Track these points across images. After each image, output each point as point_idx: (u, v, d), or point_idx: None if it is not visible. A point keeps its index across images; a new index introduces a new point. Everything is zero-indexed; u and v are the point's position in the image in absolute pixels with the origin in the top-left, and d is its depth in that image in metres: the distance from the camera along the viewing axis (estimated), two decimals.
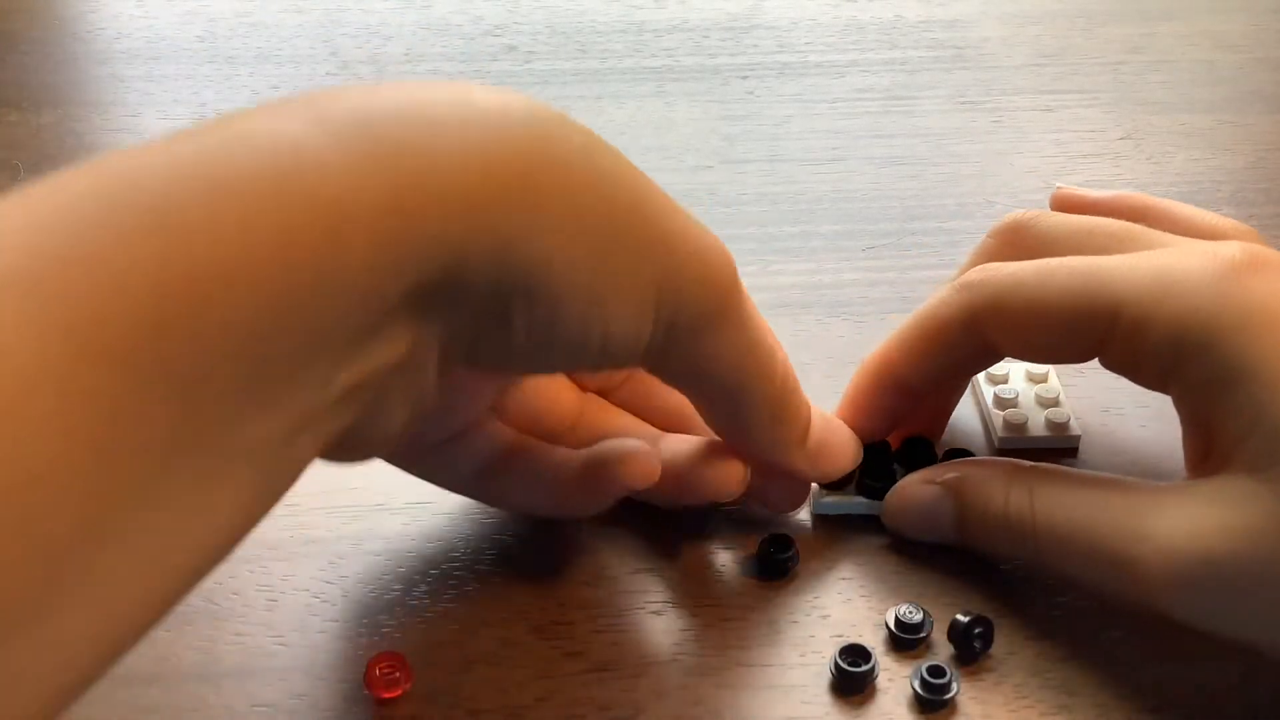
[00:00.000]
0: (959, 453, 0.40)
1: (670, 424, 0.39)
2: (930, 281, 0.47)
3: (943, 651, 0.35)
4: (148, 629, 0.26)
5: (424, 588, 0.37)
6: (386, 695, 0.34)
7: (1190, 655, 0.35)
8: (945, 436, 0.42)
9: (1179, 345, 0.33)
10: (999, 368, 0.42)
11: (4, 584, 0.22)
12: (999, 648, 0.35)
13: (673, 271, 0.31)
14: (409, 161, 0.26)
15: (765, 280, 0.48)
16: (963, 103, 0.59)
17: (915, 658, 0.35)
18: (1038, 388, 0.43)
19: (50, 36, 0.65)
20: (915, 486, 0.38)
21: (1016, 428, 0.41)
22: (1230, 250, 0.34)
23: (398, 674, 0.34)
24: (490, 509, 0.39)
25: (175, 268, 0.24)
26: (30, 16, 0.67)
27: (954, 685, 0.34)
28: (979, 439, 0.42)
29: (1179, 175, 0.55)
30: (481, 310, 0.29)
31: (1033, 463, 0.37)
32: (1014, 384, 0.43)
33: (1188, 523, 0.32)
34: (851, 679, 0.34)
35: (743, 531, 0.39)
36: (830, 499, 0.39)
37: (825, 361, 0.44)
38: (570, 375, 0.39)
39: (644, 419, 0.39)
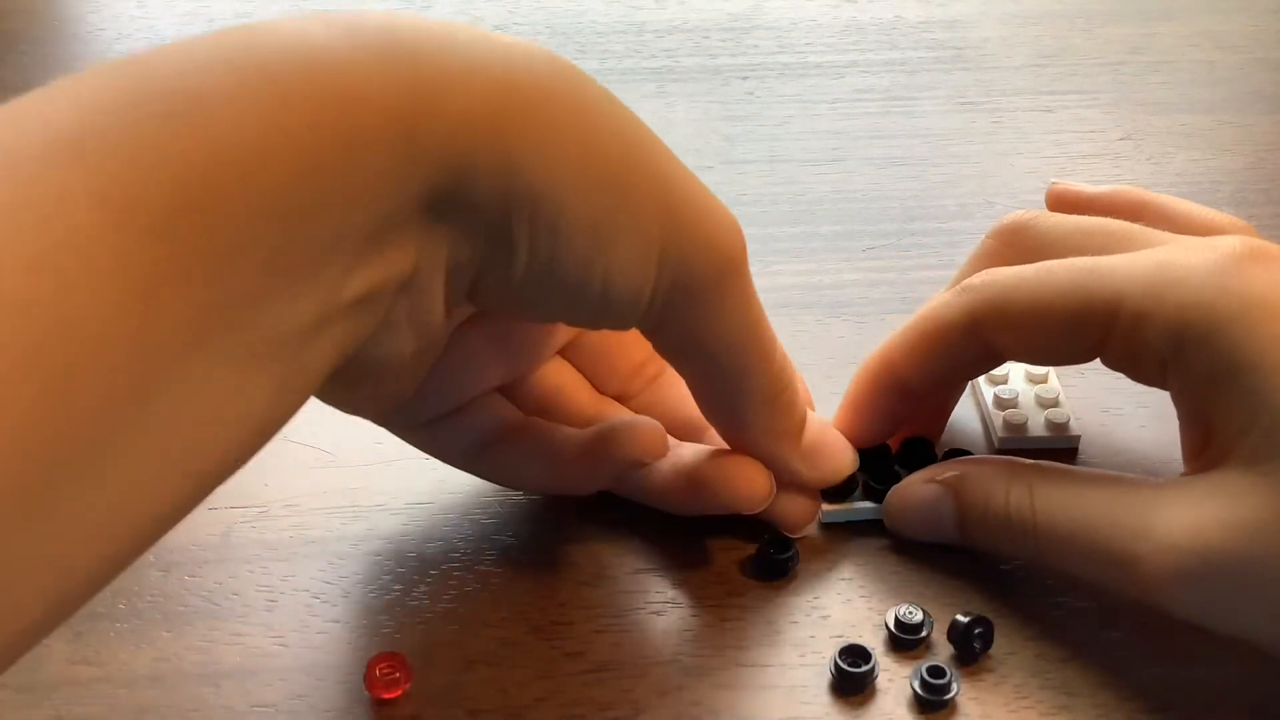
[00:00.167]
0: (959, 453, 0.40)
1: (688, 436, 0.39)
2: (930, 282, 0.47)
3: (943, 652, 0.35)
4: (172, 520, 0.27)
5: (424, 588, 0.37)
6: (386, 695, 0.34)
7: (1190, 655, 0.35)
8: (945, 437, 0.42)
9: (1179, 337, 0.33)
10: (999, 368, 0.42)
11: (57, 430, 0.23)
12: (999, 648, 0.35)
13: (680, 229, 0.31)
14: (428, 68, 0.27)
15: (765, 281, 0.48)
16: (963, 103, 0.59)
17: (915, 658, 0.35)
18: (1037, 388, 0.43)
19: (50, 37, 0.65)
20: (915, 486, 0.38)
21: (1016, 428, 0.41)
22: (1230, 243, 0.34)
23: (398, 674, 0.34)
24: (490, 509, 0.39)
25: (211, 145, 0.25)
26: (30, 17, 0.67)
27: (954, 685, 0.34)
28: (979, 439, 0.42)
29: (1179, 176, 0.55)
30: (486, 232, 0.29)
31: (1033, 461, 0.37)
32: (1014, 384, 0.43)
33: (1187, 518, 0.32)
34: (851, 679, 0.34)
35: (743, 532, 0.39)
36: (834, 508, 0.39)
37: (825, 362, 0.44)
38: (588, 375, 0.39)
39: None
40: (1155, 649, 0.35)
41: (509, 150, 0.28)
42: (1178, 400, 0.35)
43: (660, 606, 0.37)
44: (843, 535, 0.39)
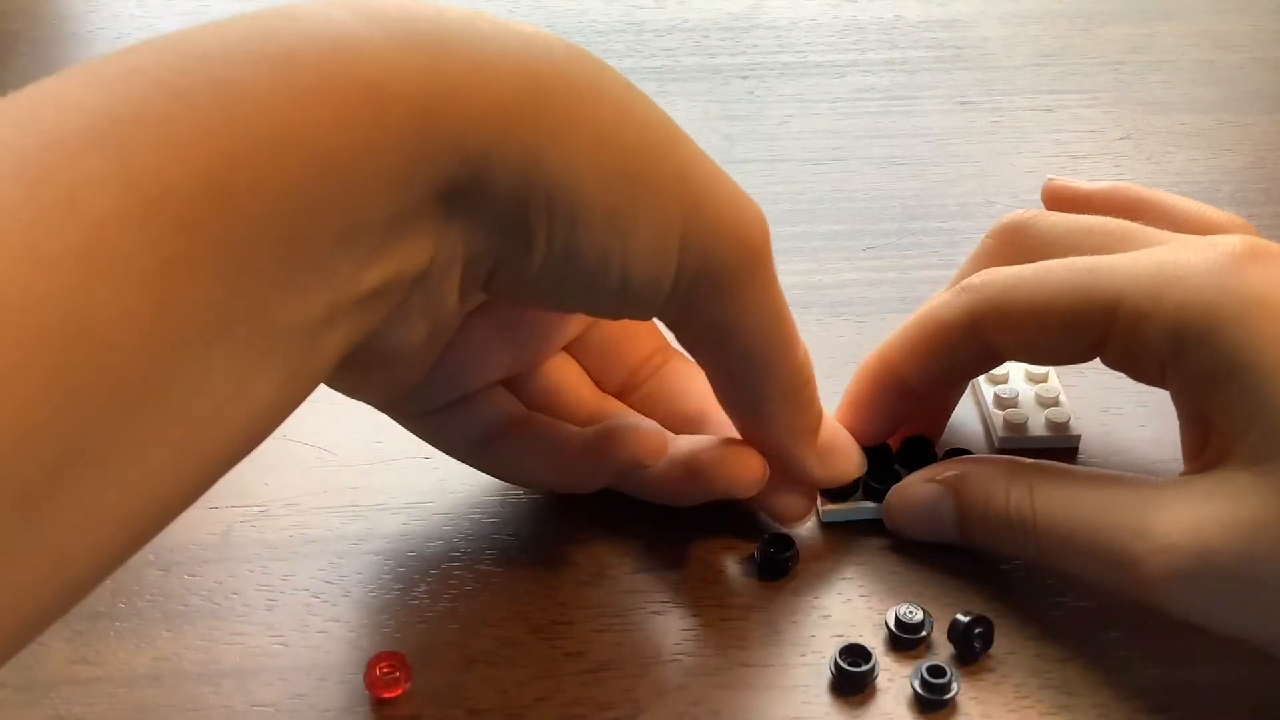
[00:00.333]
0: (959, 452, 0.40)
1: (688, 428, 0.38)
2: (930, 281, 0.47)
3: (943, 651, 0.35)
4: (180, 507, 0.27)
5: (424, 588, 0.37)
6: (386, 695, 0.34)
7: (1190, 655, 0.35)
8: (945, 436, 0.42)
9: (1178, 336, 0.33)
10: (999, 368, 0.42)
11: (69, 422, 0.23)
12: (999, 648, 0.35)
13: (702, 218, 0.31)
14: (448, 58, 0.27)
15: None
16: (963, 103, 0.59)
17: (915, 658, 0.35)
18: (1038, 388, 0.43)
19: (50, 37, 0.65)
20: (915, 486, 0.38)
21: (1016, 428, 0.41)
22: (1230, 242, 0.34)
23: (398, 674, 0.34)
24: (490, 509, 0.39)
25: (236, 136, 0.25)
26: (30, 18, 0.67)
27: (954, 685, 0.34)
28: (979, 439, 0.42)
29: (1179, 175, 0.55)
30: (503, 224, 0.29)
31: (1033, 460, 0.37)
32: (1014, 384, 0.43)
33: (1186, 519, 0.32)
34: (851, 679, 0.34)
35: (743, 531, 0.39)
36: (836, 508, 0.39)
37: (825, 361, 0.44)
38: (595, 368, 0.39)
39: (661, 424, 0.39)
40: (1155, 649, 0.35)
41: (526, 141, 0.28)
42: (1177, 400, 0.35)
43: (660, 606, 0.37)
44: (843, 535, 0.39)
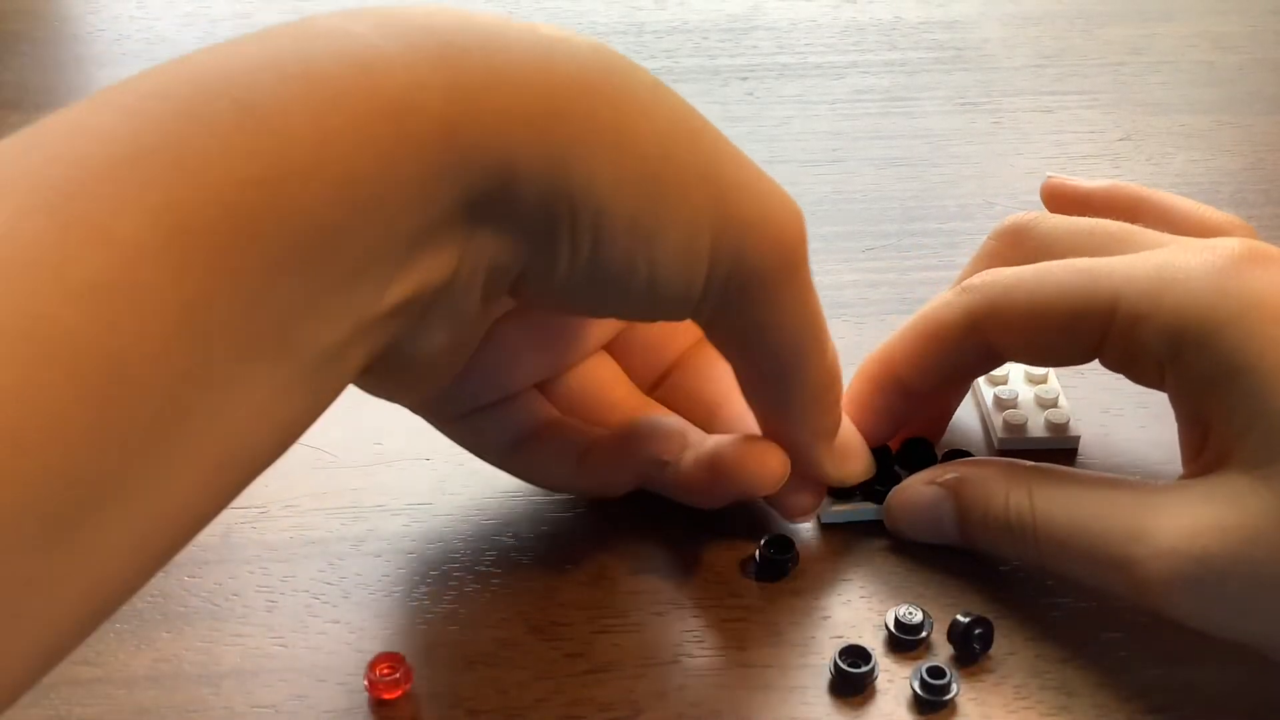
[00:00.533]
0: (959, 453, 0.40)
1: (710, 416, 0.38)
2: (930, 283, 0.47)
3: (942, 652, 0.35)
4: (199, 526, 0.27)
5: (424, 588, 0.37)
6: (386, 695, 0.34)
7: (1190, 656, 0.35)
8: (945, 437, 0.42)
9: (1177, 338, 0.33)
10: (999, 369, 0.42)
11: (96, 452, 0.23)
12: (999, 648, 0.35)
13: (733, 221, 0.30)
14: (471, 68, 0.27)
15: None
16: (963, 104, 0.59)
17: (915, 658, 0.35)
18: (1037, 389, 0.43)
19: (51, 38, 0.65)
20: (915, 488, 0.38)
21: (1016, 429, 0.41)
22: (1229, 245, 0.34)
23: (398, 674, 0.34)
24: (490, 509, 0.39)
25: (256, 160, 0.25)
26: (31, 18, 0.67)
27: (954, 686, 0.34)
28: (979, 440, 0.42)
29: (1179, 176, 0.55)
30: (527, 233, 0.29)
31: (1032, 463, 0.37)
32: (1014, 385, 0.43)
33: (1185, 522, 0.32)
34: (851, 680, 0.34)
35: (743, 532, 0.39)
36: (837, 508, 0.39)
37: None
38: (635, 365, 0.39)
39: (684, 412, 0.39)
40: (1155, 649, 0.35)
41: (548, 149, 0.28)
42: (1175, 402, 0.35)
43: (660, 607, 0.37)
44: (843, 536, 0.39)
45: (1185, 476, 0.35)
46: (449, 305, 0.30)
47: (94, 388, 0.22)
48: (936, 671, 0.34)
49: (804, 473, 0.37)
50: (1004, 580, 0.37)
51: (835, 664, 0.34)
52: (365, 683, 0.34)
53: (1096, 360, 0.36)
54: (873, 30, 0.65)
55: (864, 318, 0.47)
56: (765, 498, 0.38)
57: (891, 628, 0.35)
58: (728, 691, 0.35)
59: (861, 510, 0.39)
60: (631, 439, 0.36)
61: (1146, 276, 0.34)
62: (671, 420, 0.37)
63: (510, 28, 0.29)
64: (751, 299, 0.32)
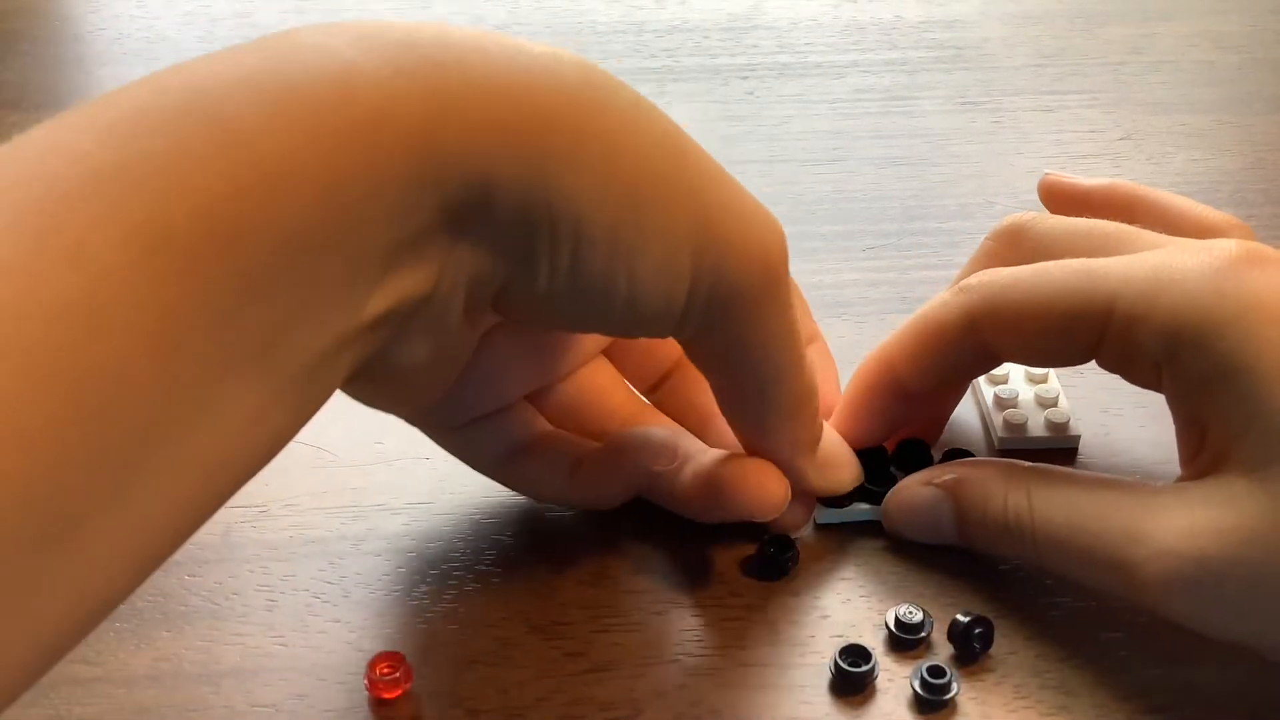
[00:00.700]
0: (958, 453, 0.40)
1: (703, 424, 0.38)
2: (930, 282, 0.47)
3: (943, 651, 0.35)
4: (184, 538, 0.27)
5: (424, 588, 0.37)
6: (386, 695, 0.34)
7: (1190, 656, 0.35)
8: (945, 436, 0.42)
9: (1174, 339, 0.33)
10: (999, 368, 0.42)
11: (81, 469, 0.23)
12: (999, 648, 0.35)
13: (714, 238, 0.30)
14: (449, 80, 0.27)
15: None
16: (963, 103, 0.59)
17: (915, 658, 0.35)
18: (1037, 388, 0.43)
19: (51, 38, 0.65)
20: (914, 489, 0.38)
21: (1016, 428, 0.41)
22: (1227, 246, 0.34)
23: (398, 674, 0.34)
24: (490, 509, 0.39)
25: (233, 175, 0.25)
26: (31, 18, 0.67)
27: (954, 685, 0.34)
28: (979, 439, 0.42)
29: (1179, 176, 0.55)
30: (507, 246, 0.29)
31: (1031, 463, 0.37)
32: (1014, 384, 0.43)
33: (1183, 524, 0.32)
34: (851, 679, 0.34)
35: (743, 532, 0.39)
36: (832, 510, 0.39)
37: None
38: (633, 369, 0.39)
39: (679, 418, 0.39)
40: (1155, 649, 0.35)
41: (527, 162, 0.28)
42: (1172, 403, 0.35)
43: (660, 606, 0.37)
44: (843, 535, 0.39)
45: (1183, 478, 0.35)
46: (431, 317, 0.30)
47: (75, 406, 0.23)
48: (937, 671, 0.34)
49: (791, 486, 0.37)
50: (1004, 580, 0.37)
51: (835, 663, 0.34)
52: (365, 682, 0.34)
53: (1094, 361, 0.36)
54: (873, 29, 0.65)
55: (864, 317, 0.47)
56: None
57: (891, 627, 0.35)
58: (728, 691, 0.35)
59: (857, 511, 0.39)
60: (622, 450, 0.36)
61: (1144, 277, 0.34)
62: (663, 431, 0.37)
63: (492, 43, 0.28)
64: (733, 317, 0.32)
